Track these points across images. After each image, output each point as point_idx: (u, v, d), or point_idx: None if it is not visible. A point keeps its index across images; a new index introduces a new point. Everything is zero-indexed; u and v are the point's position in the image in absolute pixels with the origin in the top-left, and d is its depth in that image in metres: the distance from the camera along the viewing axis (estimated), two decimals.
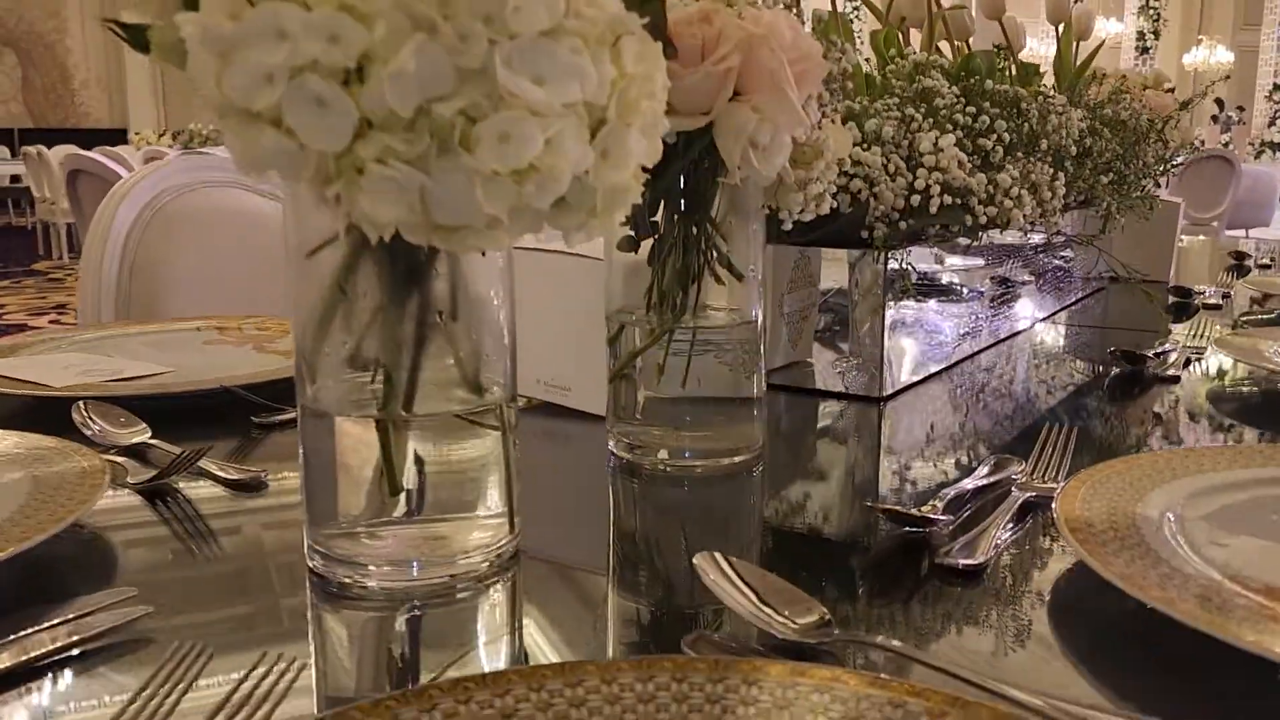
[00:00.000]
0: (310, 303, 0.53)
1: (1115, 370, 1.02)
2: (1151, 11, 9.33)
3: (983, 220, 0.86)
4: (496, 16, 0.42)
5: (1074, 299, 1.41)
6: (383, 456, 0.52)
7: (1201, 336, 1.12)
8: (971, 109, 0.93)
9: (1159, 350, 1.05)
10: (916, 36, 1.20)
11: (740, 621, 0.46)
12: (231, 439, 0.79)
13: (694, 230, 0.73)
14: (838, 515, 0.67)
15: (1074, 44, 1.40)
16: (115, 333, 1.11)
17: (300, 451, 0.54)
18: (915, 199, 0.83)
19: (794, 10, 0.73)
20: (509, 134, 0.43)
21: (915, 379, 0.96)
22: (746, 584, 0.46)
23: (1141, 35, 9.28)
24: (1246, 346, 0.99)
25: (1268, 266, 1.78)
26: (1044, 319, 1.29)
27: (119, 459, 0.71)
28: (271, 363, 0.95)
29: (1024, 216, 0.88)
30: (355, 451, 0.53)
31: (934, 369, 1.00)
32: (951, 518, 0.60)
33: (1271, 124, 8.87)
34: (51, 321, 5.82)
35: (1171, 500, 0.57)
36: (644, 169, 0.50)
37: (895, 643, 0.44)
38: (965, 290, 1.09)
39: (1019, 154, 0.96)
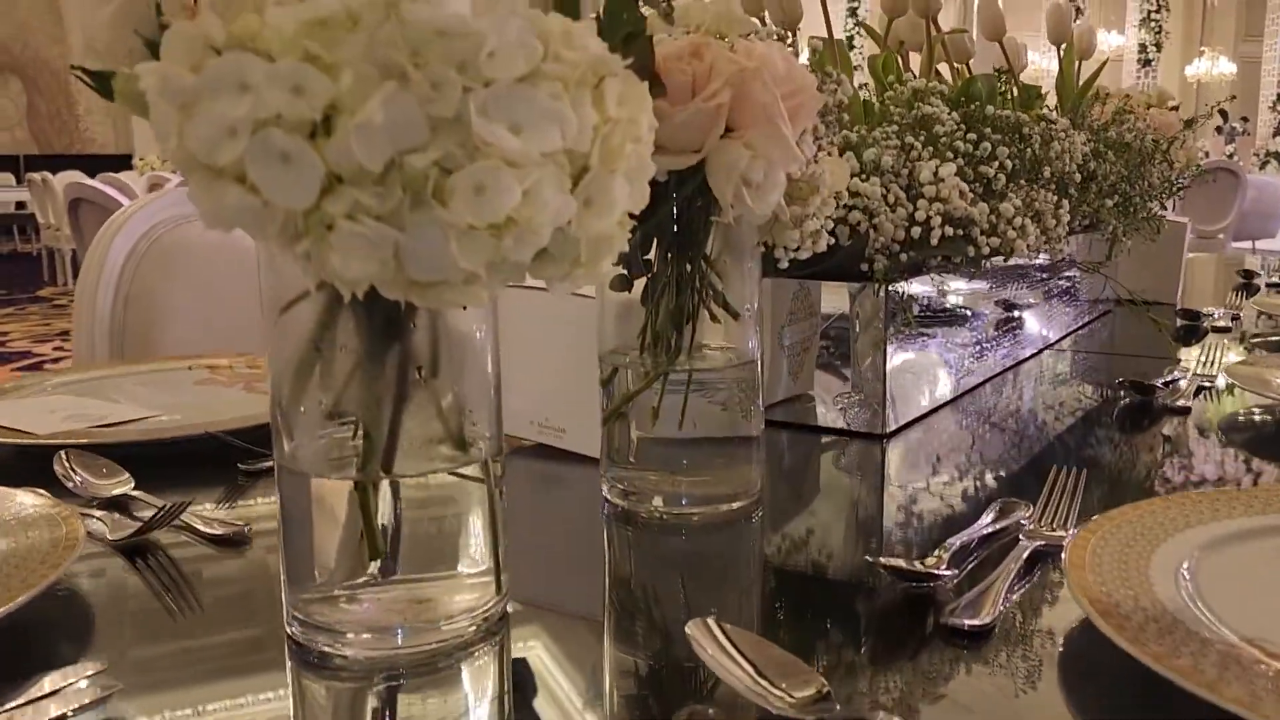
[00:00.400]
0: (286, 358, 0.51)
1: (1125, 400, 0.99)
2: (1153, 24, 9.31)
3: (985, 251, 0.84)
4: (470, 63, 0.41)
5: (1080, 323, 1.39)
6: (362, 518, 0.50)
7: (1211, 364, 1.10)
8: (972, 136, 0.91)
9: (1168, 379, 1.02)
10: (917, 59, 1.18)
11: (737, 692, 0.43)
12: (218, 485, 0.77)
13: (688, 269, 0.71)
14: (839, 568, 0.65)
15: (1076, 63, 1.38)
16: (105, 373, 1.09)
17: (278, 510, 0.52)
18: (916, 230, 0.81)
19: (788, 41, 0.71)
20: (485, 185, 0.41)
21: (919, 413, 0.94)
22: (742, 654, 0.44)
23: (1143, 47, 9.26)
24: (1256, 376, 0.97)
25: (1278, 286, 1.76)
26: (1050, 345, 1.27)
27: (98, 513, 0.69)
28: (260, 404, 0.93)
29: (1028, 246, 0.86)
30: (333, 512, 0.51)
31: (938, 401, 0.98)
32: (956, 571, 0.57)
33: (1276, 135, 8.84)
34: (55, 349, 5.81)
35: (1185, 552, 0.55)
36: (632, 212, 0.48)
37: (896, 719, 0.41)
38: (969, 315, 1.06)
39: (1022, 181, 0.94)
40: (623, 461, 0.72)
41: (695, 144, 0.62)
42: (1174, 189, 1.34)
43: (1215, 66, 9.16)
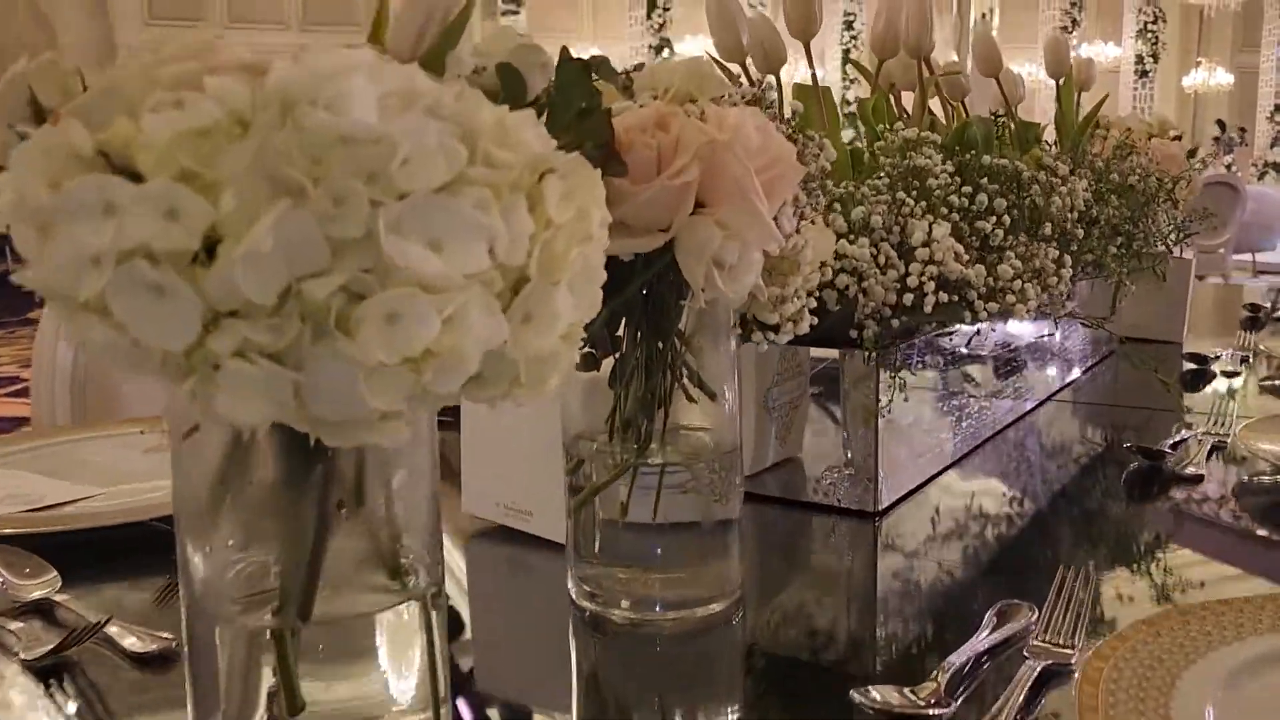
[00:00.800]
0: (192, 489, 0.45)
1: (1134, 464, 0.93)
2: (1150, 35, 9.28)
3: (983, 316, 0.78)
4: (380, 173, 0.35)
5: (1085, 365, 1.33)
6: (279, 669, 0.44)
7: (1222, 421, 1.03)
8: (968, 189, 0.85)
9: (1177, 439, 0.97)
10: (910, 98, 1.13)
11: None
12: (157, 576, 0.71)
13: (659, 347, 0.65)
14: (824, 691, 0.59)
15: (1075, 95, 1.33)
16: (53, 441, 1.03)
17: (185, 655, 0.46)
18: (909, 297, 0.76)
19: (764, 105, 0.65)
20: (399, 314, 0.35)
21: (915, 484, 0.88)
22: None
23: (1140, 59, 9.22)
24: (1273, 441, 0.91)
25: None
26: (1053, 395, 1.21)
27: (14, 624, 0.63)
28: None
29: (1027, 310, 0.80)
30: (246, 662, 0.45)
31: (937, 467, 0.92)
32: (954, 703, 0.51)
33: (1274, 145, 8.80)
34: None
35: (1211, 682, 0.49)
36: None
37: None
38: (964, 370, 1.01)
39: (1021, 235, 0.88)
40: (589, 555, 0.67)
41: (662, 223, 0.56)
42: (1181, 234, 1.28)
43: (1213, 77, 9.12)
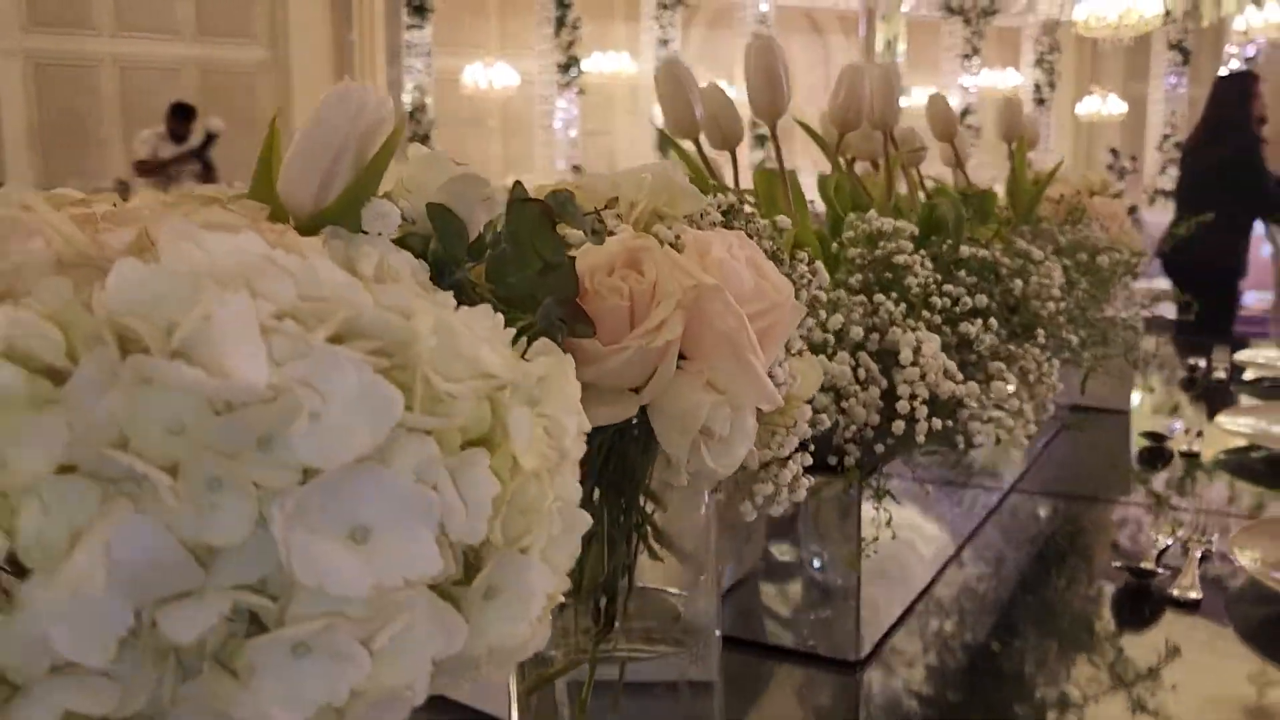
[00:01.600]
0: None
1: (1122, 584, 0.85)
2: (1046, 64, 9.48)
3: (979, 442, 0.69)
4: (274, 442, 0.23)
5: (1039, 446, 1.26)
6: None
7: (1203, 534, 0.95)
8: (949, 288, 0.76)
9: (1164, 546, 0.89)
10: (860, 167, 1.04)
11: None
12: None
13: (622, 508, 0.54)
14: None
15: (1027, 160, 1.26)
16: None
17: None
18: (899, 425, 0.66)
19: (743, 218, 0.55)
20: (309, 648, 0.24)
21: (893, 620, 0.78)
22: None
23: (1038, 87, 9.42)
24: (1271, 551, 0.84)
25: (1223, 382, 1.65)
26: (1015, 485, 1.13)
27: None
28: None
29: (1027, 435, 0.72)
30: None
31: (913, 594, 0.82)
32: None
33: (1163, 172, 9.06)
34: None
35: None
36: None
37: None
38: (926, 481, 0.91)
39: (1003, 334, 0.79)
40: None
41: (635, 383, 0.45)
42: (1141, 310, 1.22)
43: (1105, 105, 9.36)
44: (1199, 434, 1.30)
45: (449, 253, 0.36)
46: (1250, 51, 8.16)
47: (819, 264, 0.57)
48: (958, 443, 0.69)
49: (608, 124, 10.46)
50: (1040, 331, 0.80)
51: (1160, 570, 0.84)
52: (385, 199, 0.34)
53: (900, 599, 0.81)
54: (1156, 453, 1.26)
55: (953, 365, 0.68)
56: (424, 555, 0.25)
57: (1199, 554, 0.88)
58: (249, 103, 10.33)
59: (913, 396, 0.66)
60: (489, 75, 10.03)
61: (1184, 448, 1.25)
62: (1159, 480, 1.18)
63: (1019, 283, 0.82)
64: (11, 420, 0.21)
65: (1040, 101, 9.46)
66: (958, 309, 0.76)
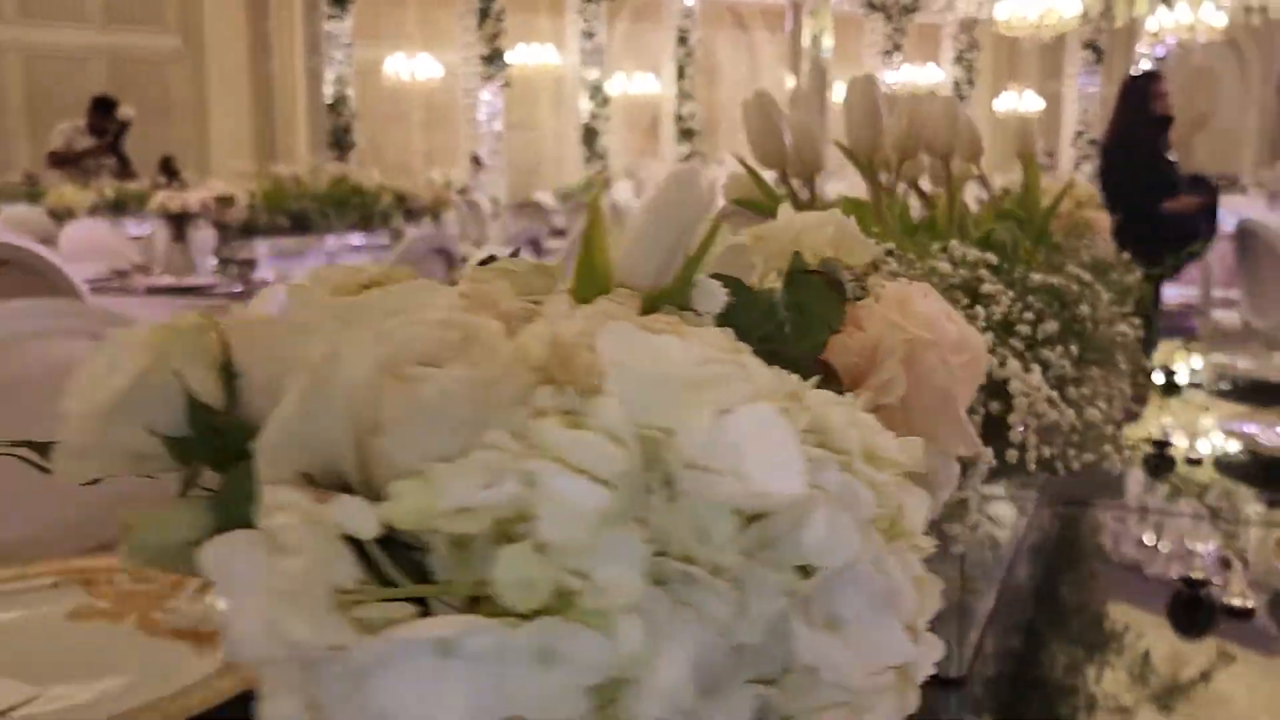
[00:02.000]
0: None
1: (1175, 593, 0.89)
2: (965, 61, 9.73)
3: (1075, 467, 0.72)
4: (784, 537, 0.25)
5: None
6: None
7: (1235, 535, 1.01)
8: (1029, 315, 0.79)
9: (1209, 554, 0.94)
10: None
11: None
12: None
13: None
14: None
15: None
16: None
17: None
18: (1012, 454, 0.69)
19: (908, 271, 0.57)
20: None
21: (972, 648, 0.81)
22: None
23: (958, 84, 9.66)
24: None
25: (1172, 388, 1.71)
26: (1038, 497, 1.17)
27: None
28: (172, 658, 0.72)
29: (1121, 460, 0.75)
30: None
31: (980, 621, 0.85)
32: None
33: (1077, 167, 9.36)
34: None
35: None
36: None
37: None
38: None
39: (1075, 358, 0.83)
40: None
41: None
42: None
43: (1022, 102, 9.64)
44: (1197, 439, 1.36)
45: (748, 327, 0.37)
46: (1160, 51, 8.47)
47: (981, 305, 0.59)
48: (1057, 468, 0.72)
49: (533, 117, 10.41)
50: (1120, 358, 0.83)
51: (1213, 584, 0.89)
52: (713, 279, 0.35)
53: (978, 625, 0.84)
54: (1162, 461, 1.31)
55: (1055, 395, 0.71)
56: (896, 642, 0.27)
57: (1240, 562, 0.93)
58: (161, 92, 10.06)
59: (1024, 426, 0.69)
60: (411, 67, 9.90)
61: (1190, 456, 1.31)
62: (1162, 488, 1.23)
63: (1086, 308, 0.85)
64: (599, 539, 0.22)
65: (960, 97, 9.70)
66: (1037, 335, 0.79)
